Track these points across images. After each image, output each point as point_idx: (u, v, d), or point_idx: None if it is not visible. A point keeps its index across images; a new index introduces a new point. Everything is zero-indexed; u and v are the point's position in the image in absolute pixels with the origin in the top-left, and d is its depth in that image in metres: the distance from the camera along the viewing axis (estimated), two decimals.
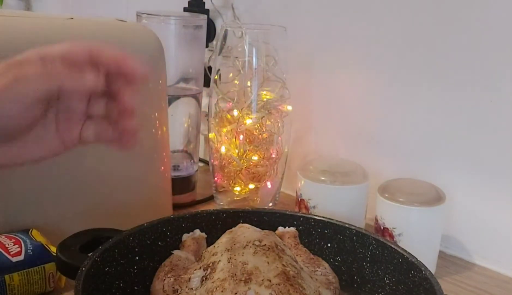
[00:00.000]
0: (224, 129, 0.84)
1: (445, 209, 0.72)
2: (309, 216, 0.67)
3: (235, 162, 0.83)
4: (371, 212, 0.77)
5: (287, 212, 0.68)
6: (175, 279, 0.55)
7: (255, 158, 0.83)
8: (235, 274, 0.50)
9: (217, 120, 0.84)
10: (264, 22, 0.91)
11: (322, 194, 0.78)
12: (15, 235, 0.62)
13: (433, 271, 0.66)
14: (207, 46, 1.01)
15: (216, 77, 0.85)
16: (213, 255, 0.55)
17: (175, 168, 0.90)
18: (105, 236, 0.58)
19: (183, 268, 0.57)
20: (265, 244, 0.54)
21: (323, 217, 0.66)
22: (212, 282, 0.51)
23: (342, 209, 0.76)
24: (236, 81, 0.83)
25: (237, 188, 0.86)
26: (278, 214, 0.68)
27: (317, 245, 0.66)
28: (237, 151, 0.83)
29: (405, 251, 0.58)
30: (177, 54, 0.88)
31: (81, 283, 0.50)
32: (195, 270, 0.55)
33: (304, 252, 0.62)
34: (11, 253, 0.60)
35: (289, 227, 0.66)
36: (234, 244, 0.55)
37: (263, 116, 0.82)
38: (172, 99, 0.87)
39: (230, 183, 0.86)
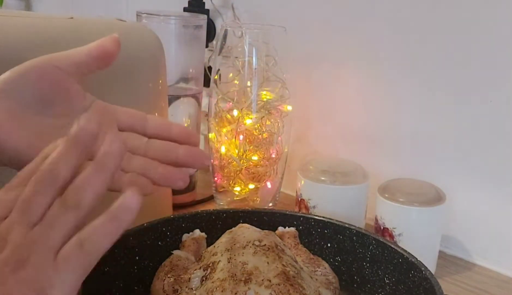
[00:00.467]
0: (224, 130, 0.84)
1: (445, 209, 0.72)
2: (309, 216, 0.67)
3: (235, 162, 0.83)
4: (371, 212, 0.77)
5: (287, 212, 0.68)
6: (175, 279, 0.55)
7: (255, 158, 0.83)
8: (235, 274, 0.50)
9: (217, 120, 0.84)
10: (264, 22, 0.91)
11: (322, 194, 0.78)
12: None
13: (433, 271, 0.66)
14: (207, 46, 1.01)
15: (216, 77, 0.85)
16: (213, 255, 0.55)
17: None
18: None
19: (183, 268, 0.57)
20: (265, 244, 0.54)
21: (323, 217, 0.66)
22: (212, 282, 0.51)
23: (342, 209, 0.76)
24: (236, 81, 0.83)
25: (237, 188, 0.86)
26: (278, 214, 0.68)
27: (317, 245, 0.65)
28: (237, 151, 0.83)
29: (405, 251, 0.58)
30: (177, 54, 0.87)
31: (81, 283, 0.50)
32: (195, 270, 0.55)
33: (304, 252, 0.62)
34: None
35: (289, 227, 0.66)
36: (234, 244, 0.55)
37: (263, 116, 0.82)
38: (172, 99, 0.87)
39: (230, 183, 0.85)
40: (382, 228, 0.73)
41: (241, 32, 0.82)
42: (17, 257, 0.34)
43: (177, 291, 0.53)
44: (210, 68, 0.92)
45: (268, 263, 0.52)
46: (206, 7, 1.05)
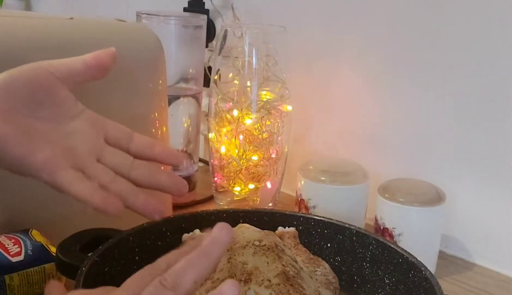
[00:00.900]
0: (224, 130, 0.84)
1: (445, 209, 0.72)
2: (309, 216, 0.67)
3: (235, 162, 0.83)
4: (371, 212, 0.77)
5: (287, 212, 0.68)
6: None
7: (255, 158, 0.83)
8: (235, 274, 0.50)
9: (217, 120, 0.84)
10: (264, 22, 0.91)
11: (322, 194, 0.78)
12: (15, 235, 0.62)
13: (433, 271, 0.66)
14: (207, 46, 1.01)
15: (216, 77, 0.85)
16: None
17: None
18: (105, 236, 0.58)
19: None
20: (265, 244, 0.54)
21: (323, 217, 0.66)
22: (212, 282, 0.51)
23: (342, 209, 0.76)
24: (236, 81, 0.83)
25: (237, 188, 0.86)
26: (278, 214, 0.67)
27: (317, 245, 0.65)
28: (237, 151, 0.83)
29: (405, 251, 0.58)
30: (177, 54, 0.88)
31: (81, 283, 0.50)
32: None
33: (304, 252, 0.62)
34: (11, 253, 0.60)
35: (289, 227, 0.66)
36: (234, 244, 0.55)
37: (263, 116, 0.82)
38: (172, 99, 0.87)
39: (230, 183, 0.85)
40: (382, 228, 0.73)
41: (241, 32, 0.82)
42: None
43: None
44: (210, 68, 0.92)
45: (268, 263, 0.52)
46: (206, 7, 1.05)
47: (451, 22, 0.78)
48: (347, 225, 0.64)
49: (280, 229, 0.66)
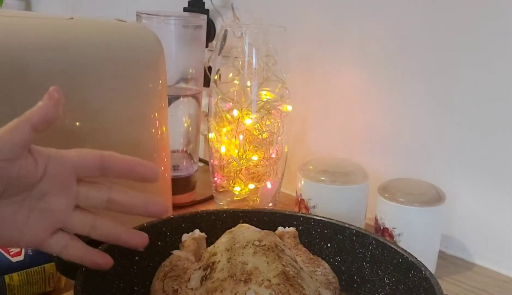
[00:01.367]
0: (224, 130, 0.84)
1: (445, 209, 0.72)
2: (309, 216, 0.67)
3: (235, 162, 0.83)
4: (371, 212, 0.77)
5: (287, 212, 0.68)
6: (175, 279, 0.55)
7: (255, 158, 0.83)
8: (235, 274, 0.50)
9: (217, 120, 0.84)
10: (264, 22, 0.91)
11: (322, 194, 0.78)
12: None
13: (433, 271, 0.66)
14: (207, 46, 1.01)
15: (216, 77, 0.85)
16: (213, 255, 0.55)
17: (175, 168, 0.90)
18: None
19: (183, 268, 0.57)
20: (265, 244, 0.54)
21: (323, 217, 0.66)
22: (212, 282, 0.51)
23: (342, 209, 0.76)
24: (236, 81, 0.83)
25: (237, 188, 0.86)
26: (278, 214, 0.67)
27: (317, 245, 0.65)
28: (237, 151, 0.83)
29: (405, 251, 0.58)
30: (177, 54, 0.88)
31: (81, 283, 0.50)
32: (195, 270, 0.55)
33: (304, 252, 0.62)
34: (11, 253, 0.60)
35: (289, 227, 0.66)
36: (234, 244, 0.55)
37: (263, 116, 0.82)
38: (172, 99, 0.87)
39: (230, 183, 0.85)
40: (382, 228, 0.73)
41: (241, 32, 0.82)
42: None
43: (177, 291, 0.53)
44: (210, 68, 0.92)
45: (268, 263, 0.52)
46: (206, 7, 1.06)
47: (451, 23, 0.78)
48: (347, 225, 0.64)
49: (280, 229, 0.66)
